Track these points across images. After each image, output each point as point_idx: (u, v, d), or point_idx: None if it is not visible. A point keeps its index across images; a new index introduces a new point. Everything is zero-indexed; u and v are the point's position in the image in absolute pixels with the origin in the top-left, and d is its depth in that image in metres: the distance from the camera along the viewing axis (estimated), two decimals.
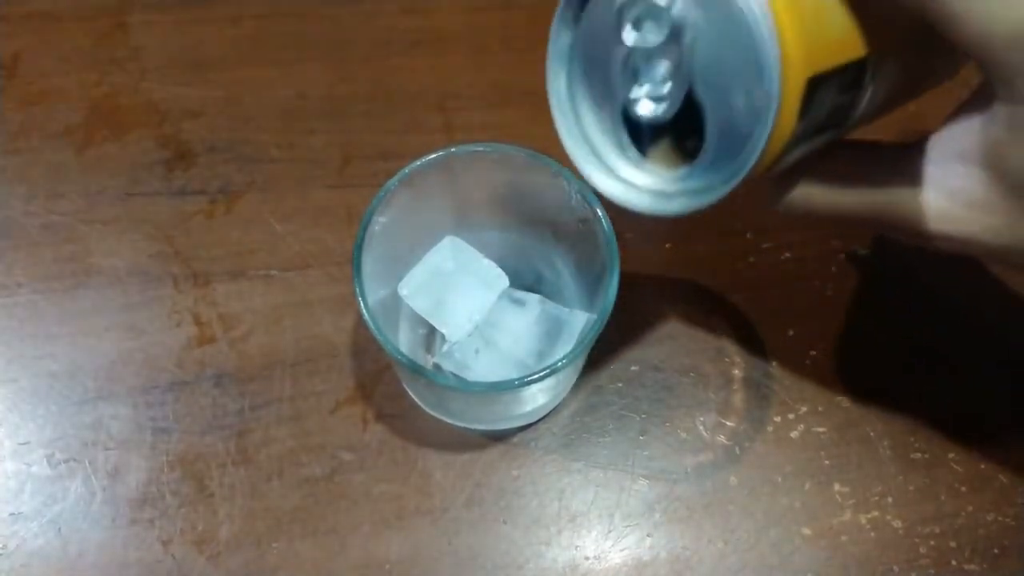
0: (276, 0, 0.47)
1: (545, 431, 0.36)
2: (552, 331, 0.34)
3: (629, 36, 0.21)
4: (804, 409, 0.37)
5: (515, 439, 0.36)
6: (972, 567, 0.34)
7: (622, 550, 0.34)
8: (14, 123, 0.43)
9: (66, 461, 0.35)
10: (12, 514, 0.34)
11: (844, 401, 0.37)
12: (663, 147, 0.23)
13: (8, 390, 0.37)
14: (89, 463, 0.35)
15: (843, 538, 0.35)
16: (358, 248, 0.30)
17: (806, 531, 0.35)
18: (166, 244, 0.40)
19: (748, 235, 0.41)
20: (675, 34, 0.20)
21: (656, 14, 0.20)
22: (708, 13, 0.19)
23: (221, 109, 0.44)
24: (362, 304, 0.29)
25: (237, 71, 0.45)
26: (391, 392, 0.37)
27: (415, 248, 0.36)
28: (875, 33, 0.21)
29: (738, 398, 0.37)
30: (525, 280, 0.37)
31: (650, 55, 0.21)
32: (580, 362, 0.31)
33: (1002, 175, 0.21)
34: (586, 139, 0.24)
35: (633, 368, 0.38)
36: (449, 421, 0.36)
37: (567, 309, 0.35)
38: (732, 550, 0.34)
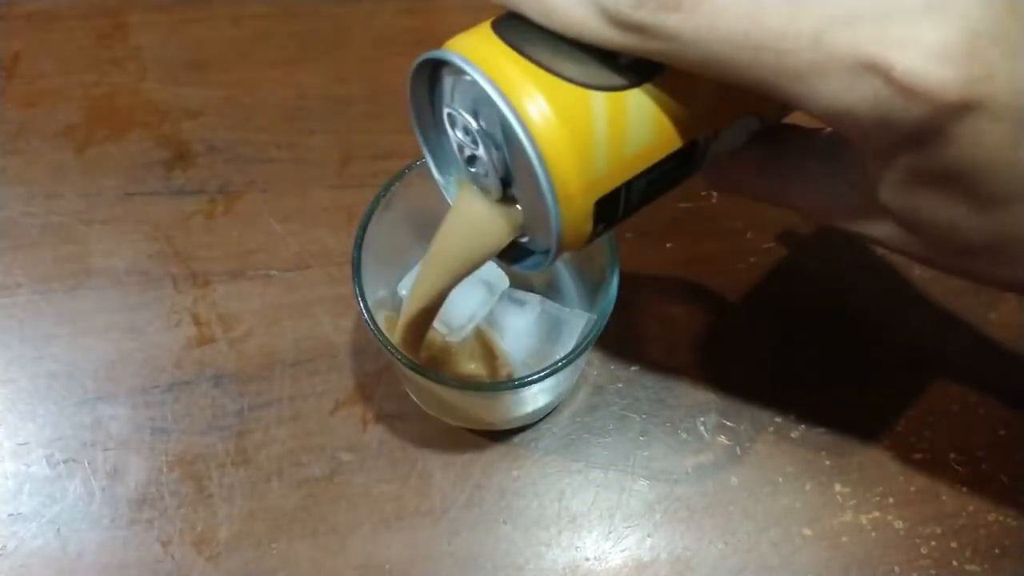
0: (276, 0, 0.47)
1: (545, 431, 0.36)
2: (552, 331, 0.34)
3: (455, 137, 0.23)
4: (805, 409, 0.37)
5: (515, 439, 0.36)
6: (973, 567, 0.34)
7: (622, 551, 0.34)
8: (14, 123, 0.43)
9: (65, 461, 0.35)
10: (11, 514, 0.34)
11: (845, 401, 0.37)
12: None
13: (7, 390, 0.36)
14: (88, 463, 0.35)
15: (844, 538, 0.35)
16: (358, 248, 0.30)
17: (807, 531, 0.35)
18: (165, 244, 0.40)
19: (748, 235, 0.41)
20: (488, 147, 0.22)
21: (471, 129, 0.22)
22: (507, 142, 0.21)
23: (221, 109, 0.44)
24: (362, 304, 0.29)
25: (237, 71, 0.45)
26: (391, 392, 0.37)
27: (415, 248, 0.36)
28: (709, 115, 0.22)
29: (739, 398, 0.37)
30: (525, 280, 0.37)
31: (475, 153, 0.22)
32: (580, 362, 0.31)
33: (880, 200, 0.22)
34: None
35: (633, 368, 0.38)
36: (449, 421, 0.36)
37: (567, 309, 0.35)
38: (733, 551, 0.34)
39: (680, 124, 0.21)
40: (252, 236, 0.40)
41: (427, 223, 0.35)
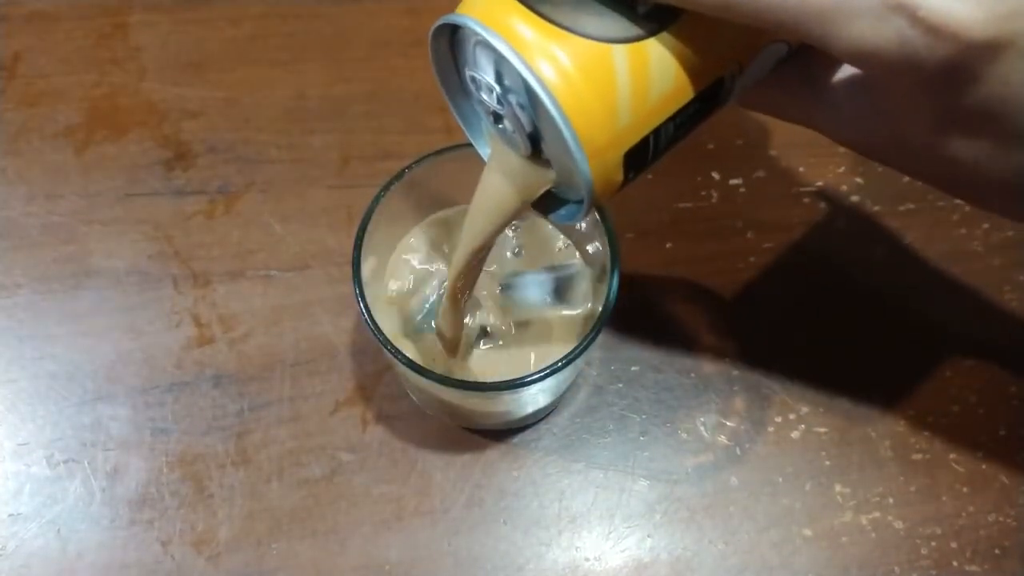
0: (276, 0, 0.47)
1: (545, 432, 0.36)
2: (562, 287, 0.34)
3: (480, 98, 0.23)
4: (805, 410, 0.37)
5: (515, 439, 0.36)
6: (973, 568, 0.34)
7: (622, 551, 0.34)
8: (14, 124, 0.43)
9: (65, 462, 0.35)
10: (11, 515, 0.34)
11: (845, 402, 0.37)
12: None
13: (7, 390, 0.36)
14: (88, 464, 0.35)
15: (844, 539, 0.35)
16: (358, 248, 0.30)
17: (807, 532, 0.35)
18: (166, 244, 0.40)
19: (748, 235, 0.41)
20: (513, 107, 0.22)
21: (495, 91, 0.22)
22: (531, 102, 0.21)
23: (221, 109, 0.44)
24: (362, 304, 0.29)
25: (237, 71, 0.45)
26: (391, 393, 0.37)
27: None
28: (732, 53, 0.22)
29: (739, 398, 0.37)
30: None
31: (501, 113, 0.22)
32: (580, 362, 0.31)
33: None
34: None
35: (633, 368, 0.38)
36: (449, 421, 0.36)
37: (571, 264, 0.35)
38: (733, 551, 0.34)
39: (704, 66, 0.21)
40: (252, 236, 0.40)
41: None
